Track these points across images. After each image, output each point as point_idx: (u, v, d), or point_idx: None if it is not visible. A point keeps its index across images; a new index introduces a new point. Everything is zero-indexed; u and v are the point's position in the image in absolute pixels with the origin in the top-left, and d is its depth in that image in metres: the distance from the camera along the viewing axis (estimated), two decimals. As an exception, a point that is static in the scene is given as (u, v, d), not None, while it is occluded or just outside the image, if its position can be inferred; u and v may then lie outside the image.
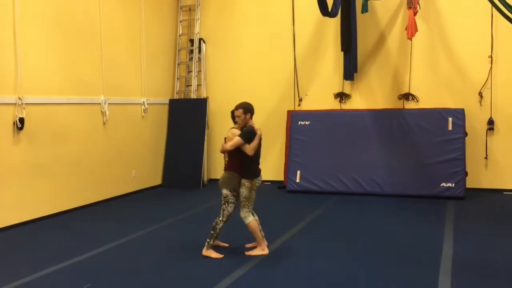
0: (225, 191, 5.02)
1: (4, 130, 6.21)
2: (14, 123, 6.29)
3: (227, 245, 5.38)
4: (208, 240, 5.06)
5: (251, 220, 5.04)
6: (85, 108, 7.49)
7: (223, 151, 5.11)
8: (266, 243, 5.22)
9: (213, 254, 5.03)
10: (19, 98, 6.32)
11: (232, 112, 5.14)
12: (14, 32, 6.29)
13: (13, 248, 5.55)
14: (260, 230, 5.15)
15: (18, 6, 6.30)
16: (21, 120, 6.32)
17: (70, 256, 5.14)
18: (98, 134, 7.78)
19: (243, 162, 4.98)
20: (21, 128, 6.33)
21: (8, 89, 6.25)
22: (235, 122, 5.16)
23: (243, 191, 5.01)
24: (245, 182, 5.01)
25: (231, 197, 5.01)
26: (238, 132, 5.02)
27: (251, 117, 5.05)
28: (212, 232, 5.04)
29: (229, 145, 4.91)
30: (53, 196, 6.93)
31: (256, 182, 5.06)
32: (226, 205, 5.02)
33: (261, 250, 5.09)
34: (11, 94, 6.28)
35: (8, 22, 6.23)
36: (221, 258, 5.01)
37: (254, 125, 5.05)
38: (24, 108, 6.36)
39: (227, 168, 5.09)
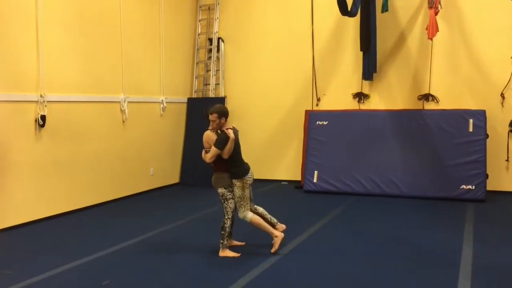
0: (220, 190, 5.08)
1: (27, 127, 6.32)
2: (36, 120, 6.40)
3: (243, 243, 5.40)
4: (221, 241, 5.09)
5: (251, 216, 5.06)
6: (105, 106, 7.57)
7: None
8: (281, 226, 5.25)
9: (230, 254, 5.06)
10: (41, 96, 6.42)
11: (206, 113, 5.10)
12: (37, 31, 6.40)
13: (32, 244, 5.64)
14: (270, 219, 5.24)
15: (40, 5, 6.40)
16: (43, 118, 6.43)
17: (88, 253, 5.20)
18: (118, 132, 7.87)
19: (227, 164, 5.05)
20: (42, 126, 6.44)
21: (30, 87, 6.36)
22: (209, 122, 5.13)
23: (236, 191, 5.05)
24: (236, 182, 5.05)
25: (228, 193, 5.07)
26: (213, 136, 5.04)
27: (225, 120, 5.07)
28: (222, 232, 5.08)
29: (208, 157, 5.01)
30: (72, 193, 7.03)
31: (247, 180, 5.07)
32: (226, 202, 5.07)
33: (277, 239, 5.08)
34: (33, 92, 6.38)
35: (30, 21, 6.33)
36: (238, 256, 5.03)
37: (228, 128, 5.05)
38: (45, 106, 6.47)
39: (215, 170, 5.15)
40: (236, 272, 4.60)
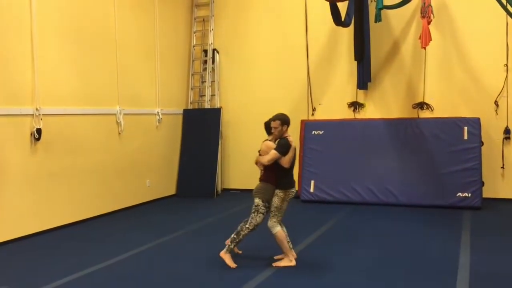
0: (257, 200, 5.00)
1: (22, 141, 6.31)
2: (31, 134, 6.39)
3: (240, 252, 5.36)
4: (229, 243, 5.02)
5: (278, 230, 4.97)
6: (100, 118, 7.57)
7: (259, 165, 5.06)
8: (294, 255, 5.18)
9: (228, 260, 5.00)
10: (37, 109, 6.42)
11: (267, 124, 5.10)
12: (32, 44, 6.41)
13: (28, 259, 5.59)
14: (288, 242, 5.14)
15: (35, 18, 6.43)
16: (38, 131, 6.42)
17: (84, 266, 5.17)
18: (114, 144, 7.86)
19: (278, 174, 4.96)
20: (38, 139, 6.42)
21: (26, 100, 6.36)
22: (269, 134, 5.11)
23: (275, 200, 4.97)
24: (279, 192, 4.97)
25: (262, 207, 4.97)
26: (272, 145, 4.97)
27: (287, 129, 5.04)
28: (235, 236, 5.00)
29: (267, 159, 4.88)
30: (69, 206, 7.00)
31: (290, 193, 5.00)
32: (256, 214, 4.98)
33: (289, 261, 5.02)
34: (29, 105, 6.38)
35: (25, 34, 6.35)
36: (234, 267, 4.98)
37: (289, 136, 5.01)
38: (41, 119, 6.46)
39: (262, 179, 5.06)
40: (233, 282, 4.58)
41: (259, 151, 5.10)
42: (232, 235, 5.04)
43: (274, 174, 4.95)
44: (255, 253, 5.44)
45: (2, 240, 6.06)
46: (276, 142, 4.99)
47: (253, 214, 4.98)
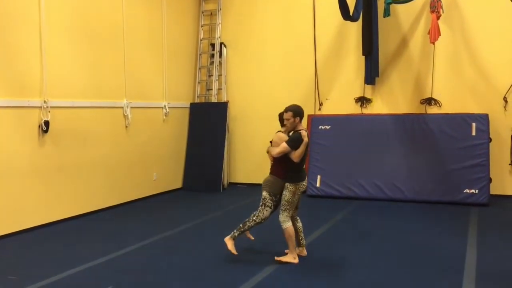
0: (264, 193, 4.94)
1: (30, 133, 6.34)
2: (39, 126, 6.42)
3: (253, 238, 5.30)
4: (235, 231, 4.97)
5: (289, 225, 4.90)
6: (108, 111, 7.59)
7: (269, 156, 4.99)
8: (305, 253, 5.13)
9: (230, 246, 4.94)
10: (45, 102, 6.45)
11: (280, 115, 5.01)
12: (40, 37, 6.43)
13: (36, 250, 5.64)
14: (302, 238, 5.10)
15: (43, 12, 6.44)
16: (46, 123, 6.45)
17: (92, 258, 5.21)
18: (121, 137, 7.88)
19: (288, 167, 4.87)
20: (46, 131, 6.46)
21: (34, 93, 6.38)
22: (282, 125, 5.02)
23: (286, 194, 4.87)
24: (289, 186, 4.86)
25: (269, 201, 4.91)
26: (284, 136, 4.89)
27: (300, 121, 4.91)
28: (241, 225, 4.96)
29: (276, 152, 4.79)
30: (76, 198, 7.04)
31: (301, 186, 4.90)
32: (263, 207, 4.93)
33: (292, 258, 4.98)
34: (37, 98, 6.41)
35: (34, 27, 6.37)
36: (235, 254, 4.93)
37: (302, 130, 4.89)
38: (49, 111, 6.49)
39: (271, 172, 4.99)
40: (239, 276, 4.59)
41: (271, 141, 5.03)
42: (240, 224, 5.00)
43: (283, 168, 4.87)
44: (264, 247, 5.45)
45: (11, 231, 6.11)
46: (290, 135, 4.92)
47: (260, 207, 4.95)
